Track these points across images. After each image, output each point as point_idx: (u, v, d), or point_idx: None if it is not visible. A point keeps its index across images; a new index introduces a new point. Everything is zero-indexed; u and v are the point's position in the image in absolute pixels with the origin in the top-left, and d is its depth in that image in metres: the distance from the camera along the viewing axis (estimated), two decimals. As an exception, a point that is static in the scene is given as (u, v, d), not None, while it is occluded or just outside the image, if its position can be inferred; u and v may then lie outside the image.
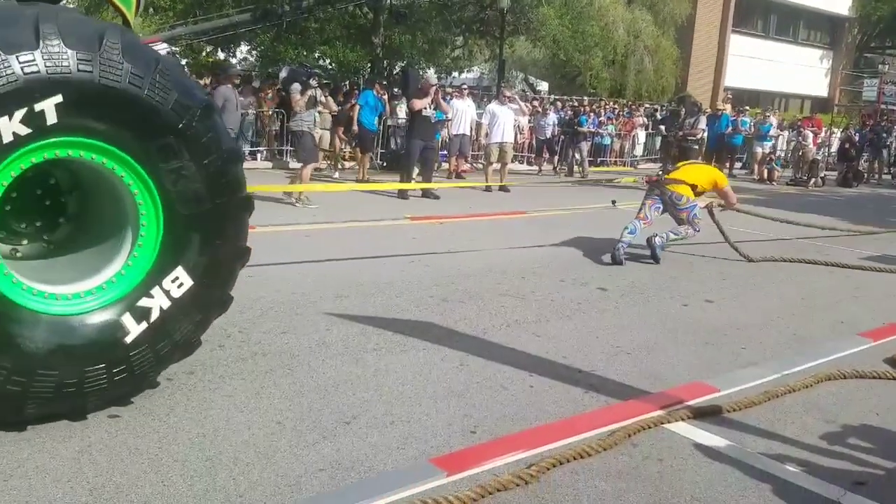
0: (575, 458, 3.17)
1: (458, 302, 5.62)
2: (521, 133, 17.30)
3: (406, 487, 2.87)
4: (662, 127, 20.66)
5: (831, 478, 3.17)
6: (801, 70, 37.08)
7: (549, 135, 18.14)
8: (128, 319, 3.23)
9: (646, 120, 21.68)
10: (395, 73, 21.36)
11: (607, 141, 20.29)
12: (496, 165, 13.82)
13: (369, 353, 4.39)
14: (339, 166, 15.02)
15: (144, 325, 3.26)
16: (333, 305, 5.30)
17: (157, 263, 3.30)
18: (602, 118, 20.11)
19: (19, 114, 2.79)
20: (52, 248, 3.65)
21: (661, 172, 8.31)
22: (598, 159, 19.85)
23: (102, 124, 3.01)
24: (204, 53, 21.87)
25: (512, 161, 14.99)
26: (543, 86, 30.71)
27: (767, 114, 20.70)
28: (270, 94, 15.76)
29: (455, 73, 24.15)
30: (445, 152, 15.38)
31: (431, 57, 21.65)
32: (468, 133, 15.02)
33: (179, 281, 3.33)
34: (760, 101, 32.53)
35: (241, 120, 12.85)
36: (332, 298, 5.48)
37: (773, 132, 20.09)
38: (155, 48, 4.13)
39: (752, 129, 19.74)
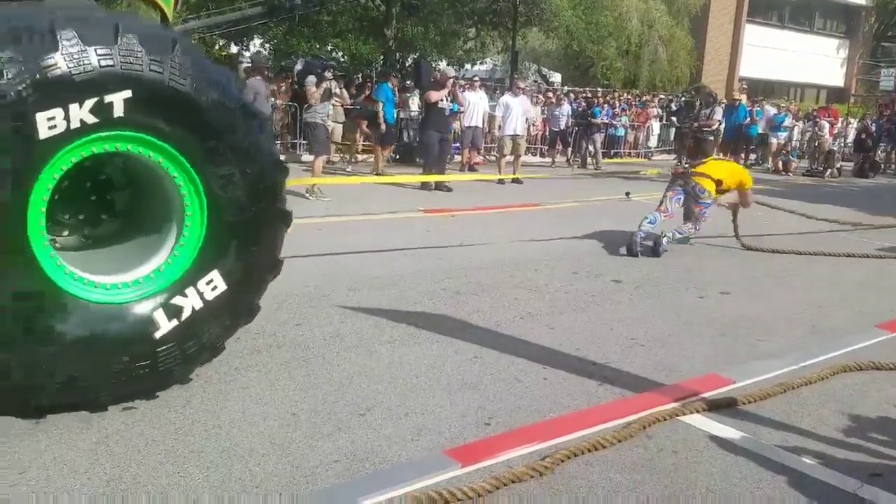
0: (589, 450, 3.16)
1: (471, 294, 5.62)
2: (533, 125, 17.21)
3: (420, 479, 2.88)
4: (675, 118, 20.56)
5: (847, 470, 3.15)
6: (817, 60, 36.73)
7: (562, 126, 18.04)
8: (160, 315, 3.29)
9: (660, 111, 21.54)
10: (407, 65, 21.34)
11: (621, 132, 20.20)
12: (509, 157, 13.80)
13: (383, 345, 4.40)
14: (353, 159, 15.03)
15: (175, 322, 3.32)
16: (347, 298, 5.31)
17: (195, 264, 3.39)
18: (616, 109, 20.02)
19: (90, 103, 2.92)
20: (89, 242, 3.72)
21: (687, 164, 8.33)
22: (612, 151, 19.79)
23: (164, 124, 3.15)
24: (217, 47, 21.93)
25: (525, 153, 14.96)
26: (556, 77, 30.58)
27: (782, 106, 20.53)
28: (284, 88, 15.79)
29: (467, 66, 24.09)
30: (458, 145, 15.36)
31: (444, 49, 21.63)
32: (480, 125, 14.99)
33: (214, 284, 3.41)
34: (775, 91, 32.27)
35: (270, 112, 12.90)
36: (346, 291, 5.50)
37: (787, 123, 19.91)
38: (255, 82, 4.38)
39: (768, 120, 19.57)
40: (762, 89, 29.04)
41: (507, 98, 14.18)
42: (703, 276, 6.75)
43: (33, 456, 2.91)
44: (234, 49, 22.25)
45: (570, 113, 18.32)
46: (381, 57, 21.03)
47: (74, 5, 3.15)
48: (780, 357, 4.54)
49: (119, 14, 3.13)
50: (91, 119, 2.95)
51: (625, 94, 23.12)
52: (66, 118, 2.88)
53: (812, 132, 20.22)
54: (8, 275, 2.90)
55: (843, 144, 22.07)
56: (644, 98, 22.72)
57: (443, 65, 21.67)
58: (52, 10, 2.94)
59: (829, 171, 18.81)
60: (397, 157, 15.83)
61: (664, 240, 7.52)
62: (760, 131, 19.03)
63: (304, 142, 14.19)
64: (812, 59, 36.26)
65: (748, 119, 17.96)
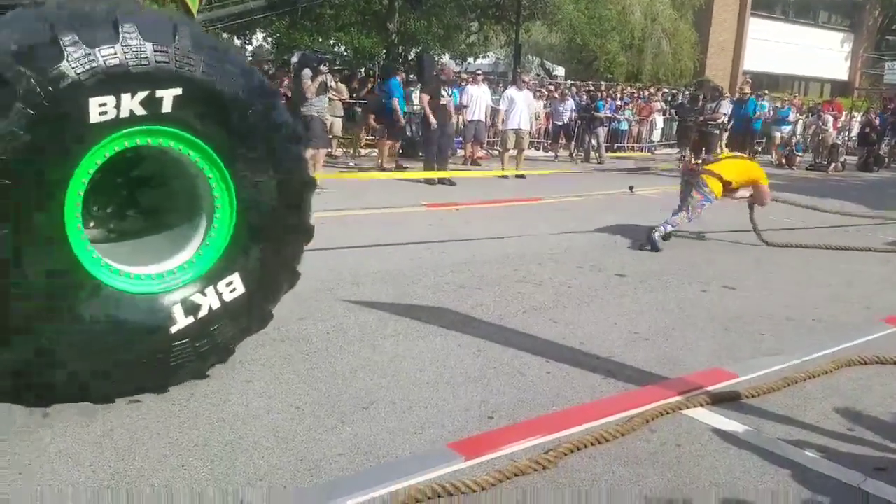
0: (593, 444, 3.16)
1: (475, 288, 5.62)
2: (536, 119, 17.17)
3: (424, 472, 2.88)
4: (674, 111, 20.53)
5: (851, 464, 3.15)
6: (821, 53, 36.59)
7: (566, 120, 17.99)
8: (178, 310, 3.33)
9: (664, 105, 21.48)
10: (410, 59, 21.30)
11: (624, 126, 20.15)
12: (512, 152, 13.78)
13: (387, 338, 4.40)
14: (356, 153, 15.02)
15: (191, 319, 3.36)
16: (350, 292, 5.32)
17: (218, 264, 3.46)
18: (619, 103, 19.97)
19: (141, 95, 3.02)
20: (113, 237, 3.75)
21: (700, 161, 8.38)
22: (616, 145, 19.75)
23: (207, 125, 3.27)
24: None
25: (528, 147, 14.95)
26: (560, 71, 30.50)
27: (784, 99, 20.45)
28: (287, 82, 15.76)
29: (470, 59, 24.03)
30: (461, 139, 15.34)
31: (447, 43, 21.56)
32: (483, 119, 14.96)
33: (233, 286, 3.47)
34: (780, 84, 32.20)
35: None
36: (349, 285, 5.50)
37: (791, 117, 19.85)
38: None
39: (771, 114, 19.51)
40: (766, 83, 28.91)
41: (511, 92, 14.13)
42: (707, 270, 6.74)
43: (38, 450, 2.91)
44: (236, 43, 22.22)
45: (574, 107, 18.26)
46: (384, 51, 20.98)
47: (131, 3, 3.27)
48: (783, 351, 4.53)
49: (178, 15, 3.31)
50: (140, 111, 3.05)
51: (628, 88, 23.04)
52: (117, 106, 2.98)
53: (816, 126, 20.15)
54: (43, 252, 2.95)
55: (847, 138, 21.99)
56: (647, 92, 22.65)
57: (446, 58, 21.65)
58: (115, 4, 3.09)
59: (833, 164, 18.76)
60: (401, 151, 15.81)
61: (656, 234, 7.49)
62: (764, 123, 18.98)
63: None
64: (816, 52, 36.13)
65: (758, 113, 17.88)
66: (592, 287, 5.89)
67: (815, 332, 4.99)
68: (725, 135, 16.33)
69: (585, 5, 24.66)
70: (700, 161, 8.55)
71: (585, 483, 2.92)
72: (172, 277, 3.41)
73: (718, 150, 14.94)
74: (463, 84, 15.09)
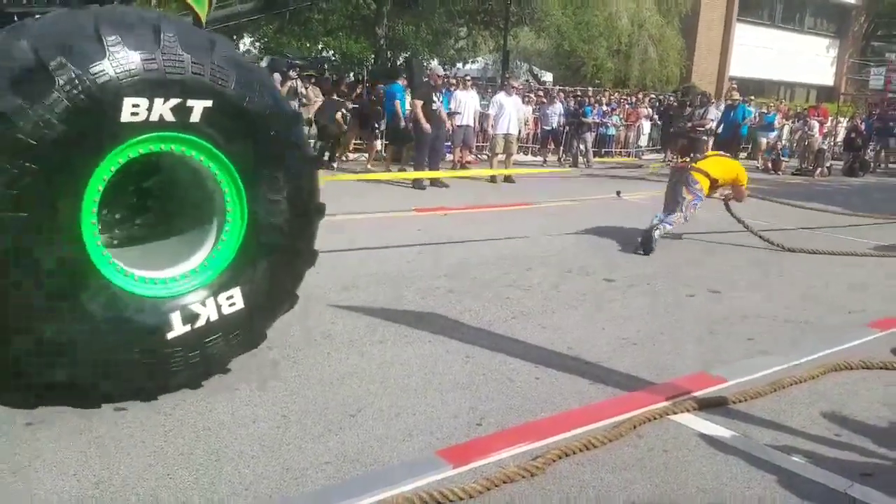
0: (581, 450, 3.16)
1: (463, 293, 5.61)
2: (525, 125, 17.20)
3: (412, 480, 2.87)
4: (657, 116, 20.62)
5: (838, 469, 3.16)
6: (807, 59, 36.81)
7: (554, 125, 18.03)
8: (176, 317, 3.32)
9: (649, 111, 21.55)
10: (399, 64, 21.31)
11: (612, 131, 20.22)
12: (501, 156, 13.81)
13: (375, 345, 4.39)
14: (344, 157, 14.99)
15: (188, 328, 3.35)
16: (339, 297, 5.30)
17: (221, 276, 3.49)
18: (606, 108, 20.03)
19: (173, 102, 3.11)
20: (115, 244, 3.75)
21: (688, 160, 8.58)
22: (603, 150, 19.80)
23: (231, 140, 3.35)
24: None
25: (517, 152, 14.98)
26: (548, 76, 30.59)
27: (771, 105, 20.58)
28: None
29: (459, 64, 24.06)
30: (450, 143, 15.34)
31: (435, 48, 21.59)
32: (472, 124, 14.98)
33: (233, 301, 3.49)
34: (766, 90, 32.37)
35: None
36: (338, 290, 5.48)
37: (777, 122, 19.96)
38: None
39: (757, 119, 19.62)
40: (752, 88, 29.02)
41: (500, 97, 14.19)
42: (694, 274, 6.76)
43: (24, 458, 2.88)
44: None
45: (562, 112, 18.30)
46: (373, 56, 20.98)
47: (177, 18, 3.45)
48: (770, 356, 4.55)
49: (218, 35, 3.43)
50: (170, 117, 3.13)
51: (615, 94, 23.11)
52: (149, 109, 3.06)
53: (802, 131, 20.26)
54: (56, 242, 2.97)
55: (832, 143, 22.13)
56: (635, 98, 22.73)
57: (434, 63, 21.66)
58: (160, 13, 3.29)
59: (819, 169, 18.86)
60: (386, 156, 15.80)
61: (656, 233, 7.58)
62: (750, 129, 19.08)
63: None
64: (802, 58, 36.33)
65: (747, 119, 17.96)
66: (580, 292, 5.89)
67: (802, 337, 5.01)
68: (712, 140, 16.41)
69: (573, 11, 24.73)
70: (688, 160, 8.69)
71: (574, 490, 2.91)
72: (176, 284, 3.43)
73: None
74: (452, 89, 15.08)
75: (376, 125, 14.66)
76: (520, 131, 15.24)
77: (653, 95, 23.29)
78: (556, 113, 18.05)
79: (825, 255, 7.86)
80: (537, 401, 3.71)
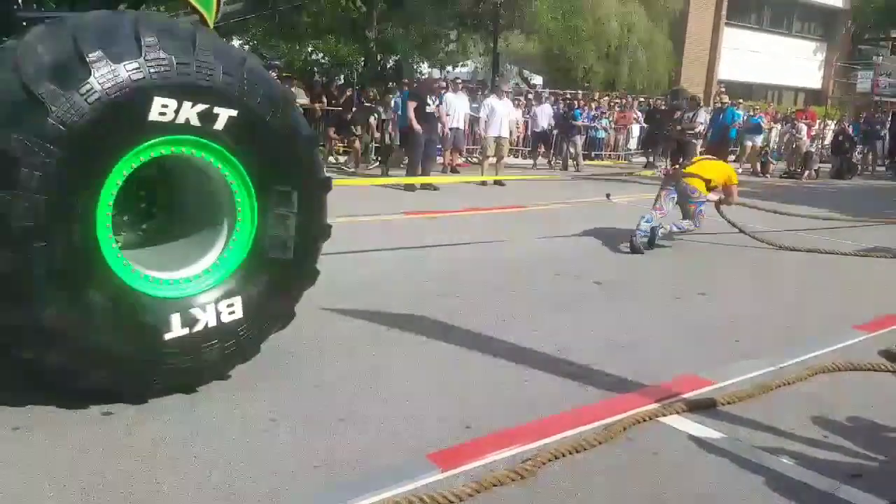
0: (571, 453, 3.16)
1: (453, 297, 5.61)
2: (516, 128, 17.23)
3: (401, 484, 2.86)
4: (644, 118, 20.69)
5: (826, 470, 3.17)
6: (795, 62, 37.04)
7: (544, 126, 18.06)
8: (176, 319, 3.33)
9: (639, 114, 21.63)
10: (388, 67, 21.30)
11: (602, 134, 20.28)
12: (492, 159, 13.84)
13: (363, 349, 4.38)
14: (333, 160, 14.98)
15: (186, 331, 3.35)
16: (327, 301, 5.27)
17: (224, 284, 3.52)
18: (595, 112, 20.10)
19: (201, 107, 3.20)
20: (125, 242, 3.75)
21: (678, 165, 8.69)
22: (593, 153, 19.86)
23: (250, 152, 3.43)
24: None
25: (507, 155, 15.02)
26: (538, 80, 30.65)
27: (756, 108, 20.68)
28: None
29: (449, 68, 24.07)
30: (440, 147, 15.36)
31: (425, 51, 21.58)
32: (462, 127, 15.01)
33: (233, 309, 3.50)
34: (754, 93, 32.51)
35: None
36: (326, 294, 5.43)
37: (763, 124, 20.06)
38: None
39: (744, 122, 19.72)
40: (740, 91, 29.17)
41: (491, 101, 14.28)
42: (683, 277, 6.79)
43: (9, 463, 2.85)
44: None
45: (551, 113, 18.33)
46: (363, 59, 20.95)
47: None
48: (758, 358, 4.56)
49: (251, 54, 3.52)
50: (195, 122, 3.22)
51: (605, 99, 23.18)
52: (176, 111, 3.15)
53: (790, 134, 20.39)
54: (71, 230, 3.02)
55: (820, 146, 22.28)
56: (624, 101, 22.81)
57: (424, 67, 21.67)
58: (197, 24, 3.42)
59: (807, 172, 18.99)
60: (379, 159, 15.79)
61: (661, 231, 7.68)
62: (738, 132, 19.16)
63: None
64: (790, 61, 36.55)
65: (736, 122, 18.05)
66: (570, 294, 5.90)
67: (790, 339, 5.03)
68: (700, 143, 16.48)
69: (562, 15, 24.80)
70: (678, 166, 8.79)
71: (564, 493, 2.91)
72: (179, 286, 3.44)
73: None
74: (442, 92, 15.11)
75: (354, 128, 14.70)
76: (511, 134, 15.28)
77: (642, 99, 23.35)
78: (545, 113, 18.09)
79: (811, 259, 7.90)
80: (526, 404, 3.71)
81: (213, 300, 3.46)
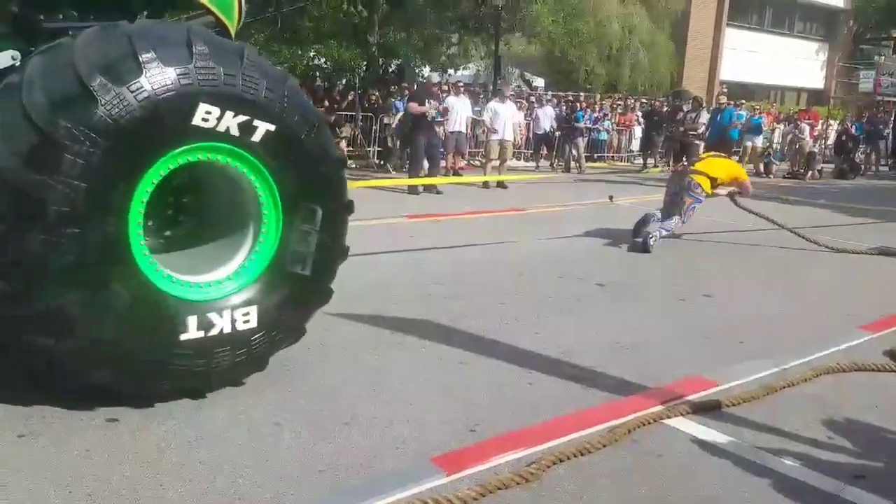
0: (576, 455, 3.16)
1: (456, 299, 5.61)
2: (519, 131, 17.24)
3: (406, 488, 2.86)
4: (643, 118, 20.67)
5: (830, 471, 3.17)
6: (797, 63, 37.02)
7: (546, 128, 18.06)
8: (193, 321, 3.37)
9: (638, 115, 21.60)
10: (390, 71, 21.31)
11: (604, 136, 20.28)
12: (495, 162, 13.87)
13: (367, 352, 4.39)
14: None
15: (201, 333, 3.39)
16: (331, 305, 5.21)
17: (243, 292, 3.57)
18: (598, 114, 20.10)
19: (242, 118, 3.33)
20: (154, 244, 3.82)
21: (686, 162, 8.80)
22: (596, 155, 19.86)
23: (283, 167, 3.53)
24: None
25: (510, 157, 15.05)
26: (539, 82, 30.64)
27: (757, 108, 20.67)
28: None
29: (451, 71, 24.05)
30: (442, 150, 15.37)
31: (427, 55, 21.58)
32: (464, 130, 15.04)
33: (248, 318, 3.54)
34: (756, 94, 32.49)
35: None
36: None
37: (764, 125, 20.03)
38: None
39: (746, 122, 19.69)
40: (742, 92, 29.19)
41: (494, 104, 14.34)
42: (686, 278, 6.78)
43: (14, 468, 2.86)
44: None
45: (553, 115, 18.33)
46: (365, 63, 20.96)
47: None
48: (763, 359, 4.56)
49: (292, 78, 3.69)
50: (235, 131, 3.33)
51: (607, 101, 23.17)
52: (219, 119, 3.27)
53: (793, 134, 20.37)
54: (106, 217, 3.09)
55: (823, 146, 22.25)
56: (627, 102, 22.80)
57: (426, 70, 21.68)
58: (246, 44, 3.61)
59: (810, 173, 18.97)
60: (382, 162, 15.82)
61: (651, 239, 7.66)
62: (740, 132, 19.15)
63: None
64: (792, 61, 36.54)
65: (735, 122, 18.04)
66: (573, 297, 5.90)
67: (794, 339, 5.02)
68: (702, 144, 16.49)
69: (563, 18, 24.79)
70: (686, 163, 8.89)
71: (569, 495, 2.91)
72: (200, 290, 3.48)
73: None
74: (444, 95, 15.13)
75: (339, 130, 14.77)
76: (515, 137, 15.30)
77: (644, 100, 23.34)
78: (547, 115, 18.09)
79: (815, 259, 7.88)
80: (531, 407, 3.71)
81: (230, 307, 3.50)
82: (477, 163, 16.54)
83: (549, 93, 22.53)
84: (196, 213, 4.03)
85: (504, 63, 25.30)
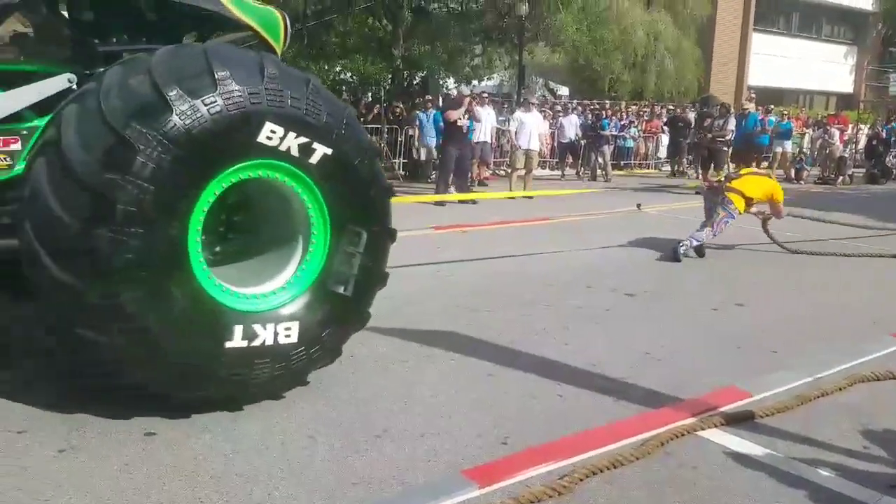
0: (608, 468, 3.16)
1: (484, 311, 5.63)
2: (544, 140, 17.23)
3: (439, 500, 2.88)
4: (667, 126, 20.55)
5: (866, 481, 3.14)
6: (826, 67, 36.62)
7: (571, 136, 18.01)
8: (239, 330, 3.47)
9: (664, 123, 21.45)
10: (415, 83, 21.46)
11: (630, 143, 20.20)
12: (521, 171, 13.89)
13: (398, 365, 4.42)
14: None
15: (245, 343, 3.49)
16: (361, 318, 5.32)
17: (287, 306, 3.68)
18: (624, 121, 20.02)
19: (303, 140, 3.51)
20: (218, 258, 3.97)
21: (723, 179, 8.75)
22: (622, 162, 19.78)
23: (335, 191, 3.68)
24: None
25: (535, 166, 15.05)
26: (564, 91, 30.61)
27: (785, 113, 20.47)
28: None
29: (475, 81, 24.13)
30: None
31: (451, 67, 21.69)
32: (489, 140, 15.07)
33: (290, 333, 3.63)
34: (784, 99, 32.18)
35: None
36: (360, 311, 5.50)
37: (794, 129, 19.82)
38: None
39: (776, 128, 19.50)
40: (771, 97, 28.91)
41: (519, 114, 14.39)
42: (717, 287, 6.73)
43: (55, 484, 2.92)
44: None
45: (578, 124, 18.28)
46: (390, 76, 21.12)
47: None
48: (796, 368, 4.52)
49: (351, 108, 3.98)
50: (295, 152, 3.50)
51: (633, 107, 23.08)
52: (282, 139, 3.44)
53: (823, 139, 20.13)
54: (169, 220, 3.23)
55: (854, 151, 21.95)
56: (653, 109, 22.69)
57: (451, 82, 21.77)
58: (313, 74, 3.84)
59: (841, 178, 18.72)
60: (406, 174, 15.89)
61: (682, 248, 7.70)
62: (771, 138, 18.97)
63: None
64: (820, 65, 36.15)
65: (758, 128, 17.89)
66: (603, 307, 5.89)
67: (828, 348, 4.97)
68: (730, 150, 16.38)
69: (587, 26, 24.78)
70: (722, 179, 8.85)
71: (601, 508, 2.91)
72: (247, 300, 3.59)
73: (726, 166, 15.10)
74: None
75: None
76: (540, 146, 15.30)
77: (671, 107, 23.21)
78: (572, 124, 18.05)
79: (848, 267, 7.78)
80: (561, 419, 3.71)
81: (274, 320, 3.59)
82: (502, 172, 16.55)
83: (574, 101, 22.47)
84: (246, 229, 4.16)
85: (528, 72, 25.35)
